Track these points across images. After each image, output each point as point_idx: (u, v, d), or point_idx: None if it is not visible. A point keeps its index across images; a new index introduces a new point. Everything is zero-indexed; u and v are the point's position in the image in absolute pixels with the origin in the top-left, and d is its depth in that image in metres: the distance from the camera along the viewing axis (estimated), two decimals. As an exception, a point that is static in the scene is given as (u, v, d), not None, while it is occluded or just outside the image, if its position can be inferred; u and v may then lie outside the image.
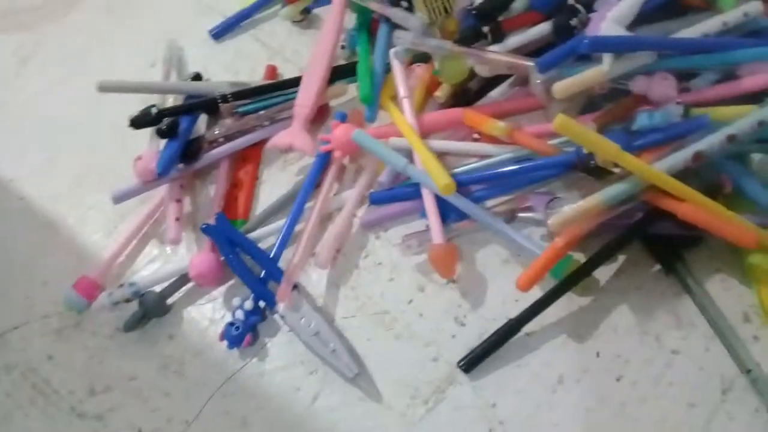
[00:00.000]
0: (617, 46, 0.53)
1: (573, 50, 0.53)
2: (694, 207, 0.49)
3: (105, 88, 0.66)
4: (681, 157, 0.51)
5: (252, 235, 0.62)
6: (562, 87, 0.54)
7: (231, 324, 0.58)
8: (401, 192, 0.60)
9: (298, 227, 0.61)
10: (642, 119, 0.53)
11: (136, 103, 0.69)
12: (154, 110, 0.65)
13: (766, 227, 0.51)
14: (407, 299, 0.57)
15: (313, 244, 0.61)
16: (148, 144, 0.67)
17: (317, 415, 0.54)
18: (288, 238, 0.61)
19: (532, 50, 0.60)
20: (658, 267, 0.54)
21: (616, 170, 0.52)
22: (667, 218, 0.51)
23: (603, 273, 0.55)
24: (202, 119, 0.71)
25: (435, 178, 0.56)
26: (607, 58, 0.53)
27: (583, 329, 0.53)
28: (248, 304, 0.58)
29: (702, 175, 0.52)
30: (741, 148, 0.54)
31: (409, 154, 0.60)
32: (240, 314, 0.58)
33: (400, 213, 0.61)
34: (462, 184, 0.57)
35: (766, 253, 0.51)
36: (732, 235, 0.49)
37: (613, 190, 0.51)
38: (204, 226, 0.61)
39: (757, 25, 0.57)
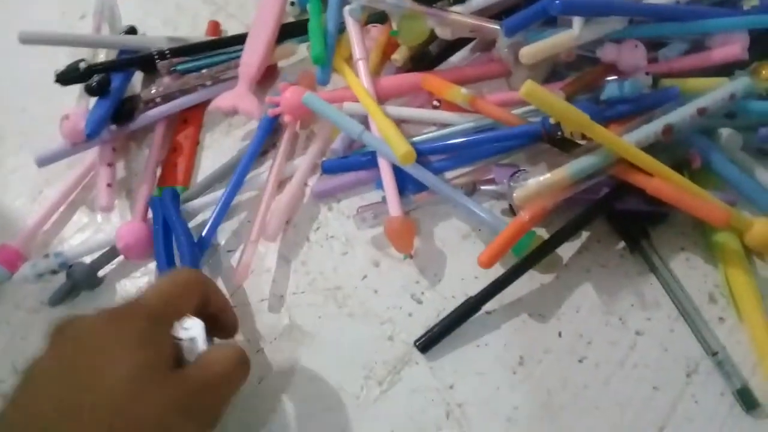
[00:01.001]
0: (590, 9, 0.50)
1: (544, 12, 0.50)
2: (665, 183, 0.47)
3: (27, 39, 0.60)
4: (651, 129, 0.49)
5: (192, 204, 0.58)
6: (530, 51, 0.51)
7: (167, 299, 0.53)
8: (356, 161, 0.57)
9: (241, 198, 0.57)
10: (611, 89, 0.51)
11: (62, 59, 0.62)
12: (83, 65, 0.60)
13: (733, 204, 0.50)
14: (361, 275, 0.54)
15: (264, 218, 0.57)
16: (76, 102, 0.62)
17: (263, 396, 0.50)
18: (225, 210, 0.56)
19: (497, 12, 0.56)
20: (622, 245, 0.52)
21: (583, 142, 0.50)
22: (634, 193, 0.49)
23: (566, 250, 0.52)
24: (137, 77, 0.66)
25: (393, 146, 0.52)
26: (577, 22, 0.51)
27: (545, 308, 0.51)
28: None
29: (671, 150, 0.50)
30: (710, 123, 0.52)
31: (364, 120, 0.56)
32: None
33: (354, 183, 0.57)
34: (421, 154, 0.54)
35: (733, 232, 0.50)
36: (703, 213, 0.47)
37: (581, 163, 0.48)
38: (151, 200, 0.57)
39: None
